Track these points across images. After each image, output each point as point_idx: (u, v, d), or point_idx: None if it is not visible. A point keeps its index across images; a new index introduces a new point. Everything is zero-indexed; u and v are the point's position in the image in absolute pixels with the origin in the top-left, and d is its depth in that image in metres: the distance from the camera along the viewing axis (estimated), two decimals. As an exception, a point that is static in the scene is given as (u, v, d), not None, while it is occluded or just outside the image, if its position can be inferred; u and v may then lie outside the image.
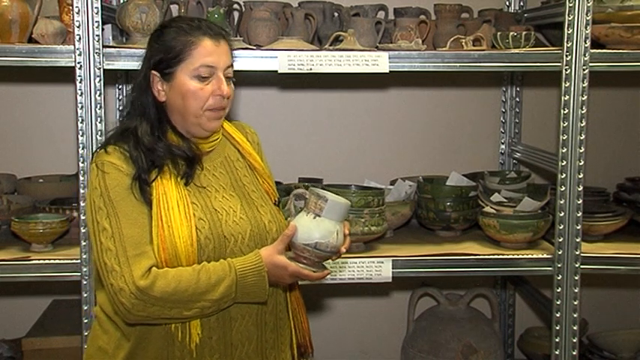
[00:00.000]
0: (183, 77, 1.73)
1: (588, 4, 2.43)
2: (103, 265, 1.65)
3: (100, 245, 1.66)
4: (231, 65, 1.80)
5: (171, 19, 1.87)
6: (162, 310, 1.64)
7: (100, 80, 2.31)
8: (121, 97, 3.08)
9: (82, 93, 2.31)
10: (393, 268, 2.49)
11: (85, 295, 2.36)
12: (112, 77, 3.03)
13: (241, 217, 1.78)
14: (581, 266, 2.53)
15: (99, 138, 2.31)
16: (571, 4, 2.43)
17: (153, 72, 1.76)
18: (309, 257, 1.70)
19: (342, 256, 1.76)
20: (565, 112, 2.47)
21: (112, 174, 1.69)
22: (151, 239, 1.67)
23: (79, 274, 2.37)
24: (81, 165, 2.33)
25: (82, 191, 2.33)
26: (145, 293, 1.61)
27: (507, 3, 3.17)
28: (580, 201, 2.50)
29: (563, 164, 2.49)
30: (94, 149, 2.30)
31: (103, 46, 2.32)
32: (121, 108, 3.07)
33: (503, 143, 3.28)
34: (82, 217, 2.34)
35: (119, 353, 1.75)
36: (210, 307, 1.67)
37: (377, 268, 2.49)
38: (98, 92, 2.31)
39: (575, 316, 2.55)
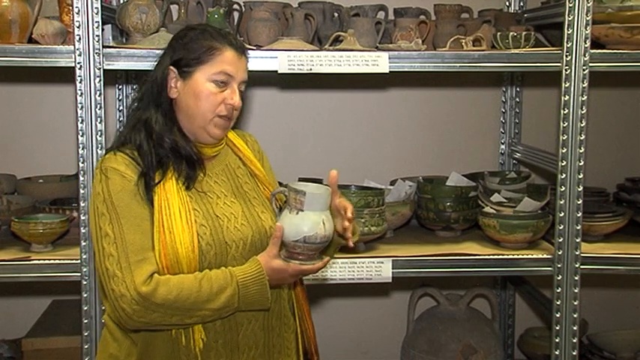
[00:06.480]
0: (201, 79, 1.76)
1: (588, 4, 2.42)
2: (105, 271, 1.65)
3: (102, 251, 1.66)
4: (246, 82, 1.83)
5: (200, 24, 1.89)
6: (163, 317, 1.63)
7: (100, 80, 2.31)
8: (121, 97, 3.08)
9: (82, 93, 2.31)
10: (393, 268, 2.49)
11: (85, 295, 2.36)
12: (111, 77, 3.03)
13: (242, 224, 1.79)
14: (581, 266, 2.53)
15: (99, 138, 2.31)
16: (571, 4, 2.43)
17: (171, 67, 1.78)
18: (303, 252, 1.70)
19: (343, 255, 1.76)
20: (565, 112, 2.47)
21: (115, 179, 1.69)
22: (153, 245, 1.67)
23: (79, 274, 2.36)
24: (81, 165, 2.32)
25: (82, 191, 2.33)
26: (146, 299, 1.61)
27: (507, 3, 3.17)
28: (580, 201, 2.50)
29: (563, 164, 2.49)
30: (94, 149, 2.30)
31: (103, 47, 2.32)
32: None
33: (503, 143, 3.28)
34: (82, 218, 2.33)
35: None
36: (211, 315, 1.68)
37: (377, 268, 2.49)
38: (98, 92, 2.31)
39: (575, 316, 2.55)
